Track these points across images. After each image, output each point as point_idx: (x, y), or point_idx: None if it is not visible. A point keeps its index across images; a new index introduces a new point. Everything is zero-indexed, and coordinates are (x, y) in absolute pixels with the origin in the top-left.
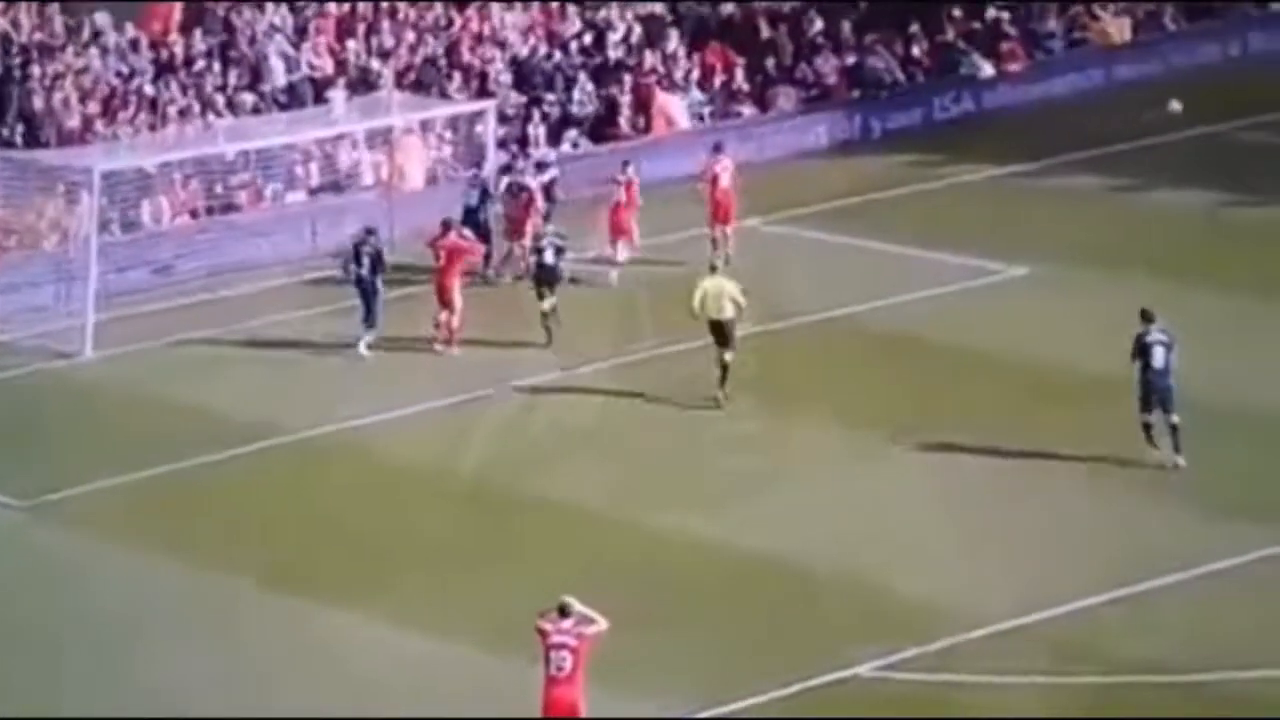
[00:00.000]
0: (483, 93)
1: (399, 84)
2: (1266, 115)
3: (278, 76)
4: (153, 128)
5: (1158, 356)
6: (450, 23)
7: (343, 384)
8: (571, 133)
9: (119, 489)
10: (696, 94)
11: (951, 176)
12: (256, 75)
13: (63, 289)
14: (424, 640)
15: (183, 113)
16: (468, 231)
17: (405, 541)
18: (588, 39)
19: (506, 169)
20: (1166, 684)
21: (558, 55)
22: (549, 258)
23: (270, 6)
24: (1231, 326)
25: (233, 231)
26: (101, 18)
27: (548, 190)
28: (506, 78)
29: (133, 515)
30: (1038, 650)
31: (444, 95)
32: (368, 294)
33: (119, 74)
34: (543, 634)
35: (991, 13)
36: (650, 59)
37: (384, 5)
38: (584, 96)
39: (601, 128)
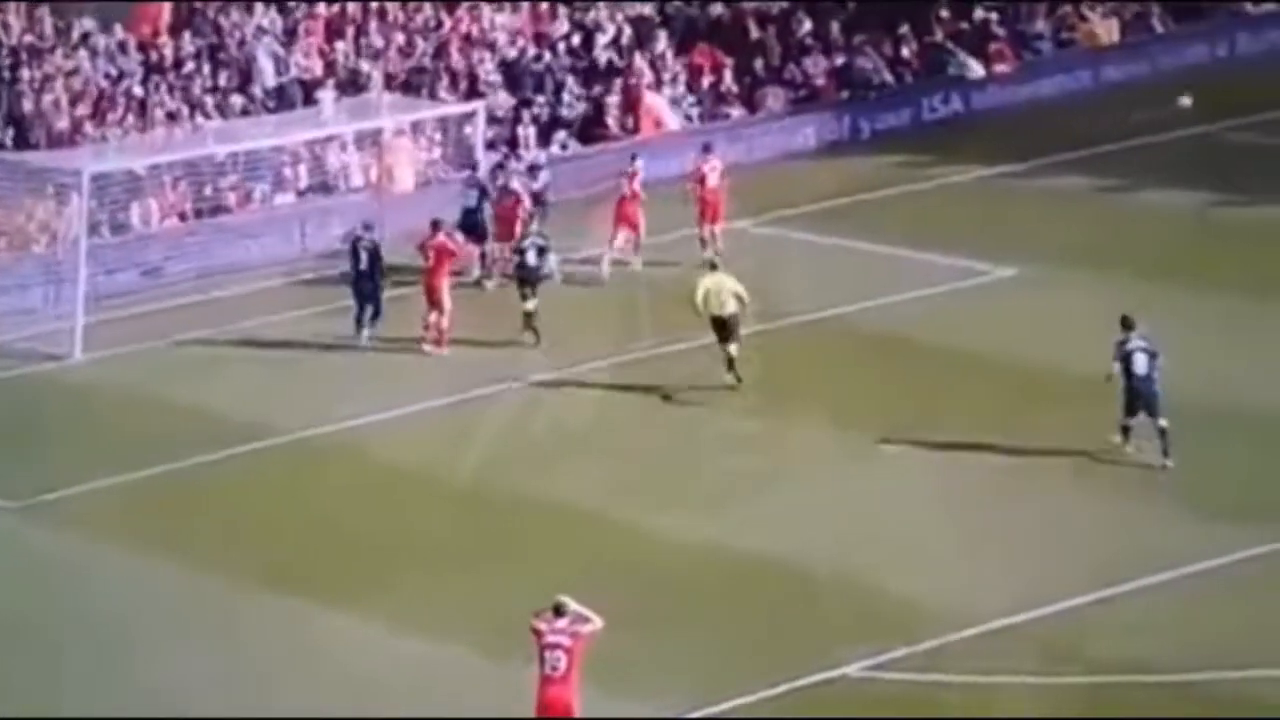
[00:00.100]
0: (472, 94)
1: (388, 86)
2: (1254, 116)
3: (267, 78)
4: (142, 130)
5: (1140, 364)
6: (440, 24)
7: (336, 384)
8: (560, 134)
9: (112, 490)
10: (682, 90)
11: (940, 177)
12: (246, 77)
13: (52, 291)
14: (420, 640)
15: (172, 115)
16: (458, 234)
17: (402, 541)
18: (576, 40)
19: (499, 168)
20: (1155, 684)
21: (547, 57)
22: (531, 258)
23: (259, 8)
24: (1220, 327)
25: (222, 233)
26: (88, 21)
27: (540, 195)
28: (496, 79)
29: (126, 516)
30: (1026, 650)
31: (433, 97)
32: (364, 291)
33: (108, 76)
34: (537, 634)
35: (980, 14)
36: (639, 60)
37: (373, 6)
38: (572, 98)
39: (590, 129)
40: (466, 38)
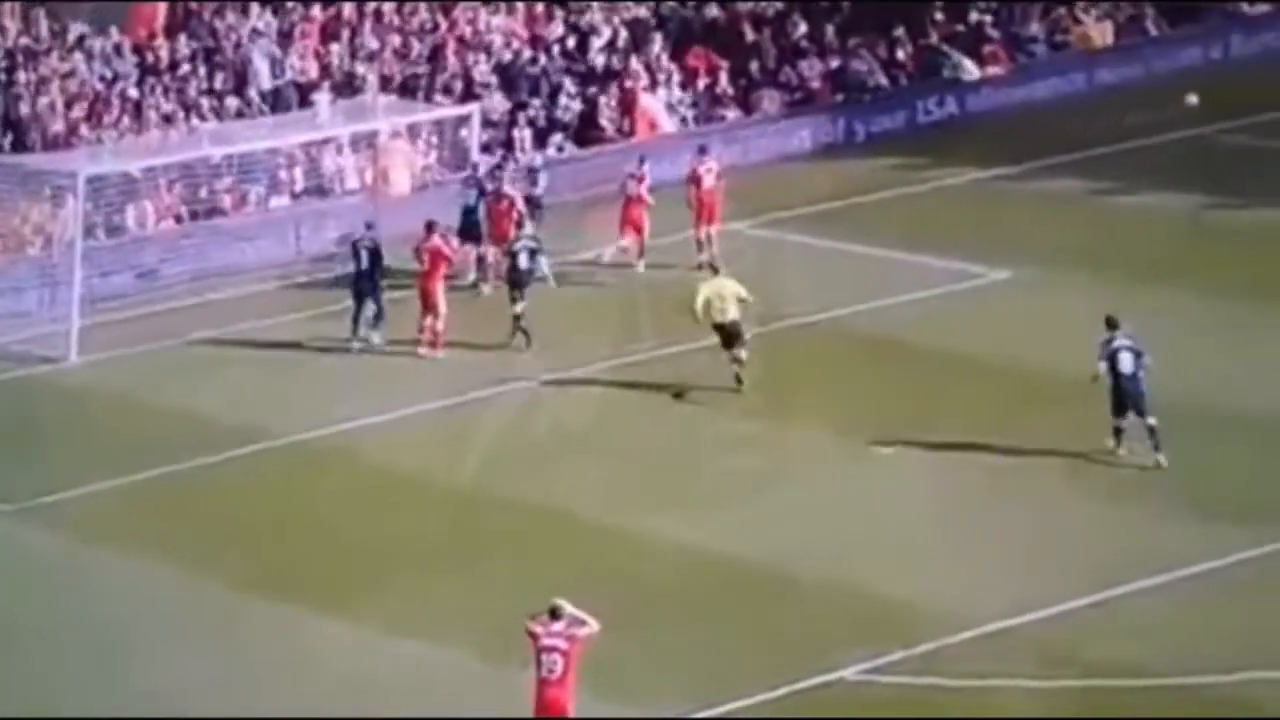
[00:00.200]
0: (468, 97)
1: (384, 88)
2: (1248, 118)
3: (262, 81)
4: (137, 132)
5: (1125, 362)
6: (435, 26)
7: (332, 387)
8: (556, 137)
9: (108, 493)
10: (677, 93)
11: (935, 180)
12: (241, 79)
13: (47, 294)
14: (417, 643)
15: (167, 118)
16: (454, 238)
17: (398, 544)
18: (572, 43)
19: (497, 169)
20: (1150, 687)
21: (542, 59)
22: (523, 261)
23: (255, 10)
24: (1214, 329)
25: (217, 236)
26: (79, 26)
27: (538, 199)
28: (492, 81)
29: (122, 519)
30: (1023, 653)
31: (429, 100)
32: (363, 291)
33: (103, 78)
34: (533, 636)
35: (974, 16)
36: (634, 62)
37: (368, 9)
38: (568, 101)
39: (585, 131)
40: (461, 40)
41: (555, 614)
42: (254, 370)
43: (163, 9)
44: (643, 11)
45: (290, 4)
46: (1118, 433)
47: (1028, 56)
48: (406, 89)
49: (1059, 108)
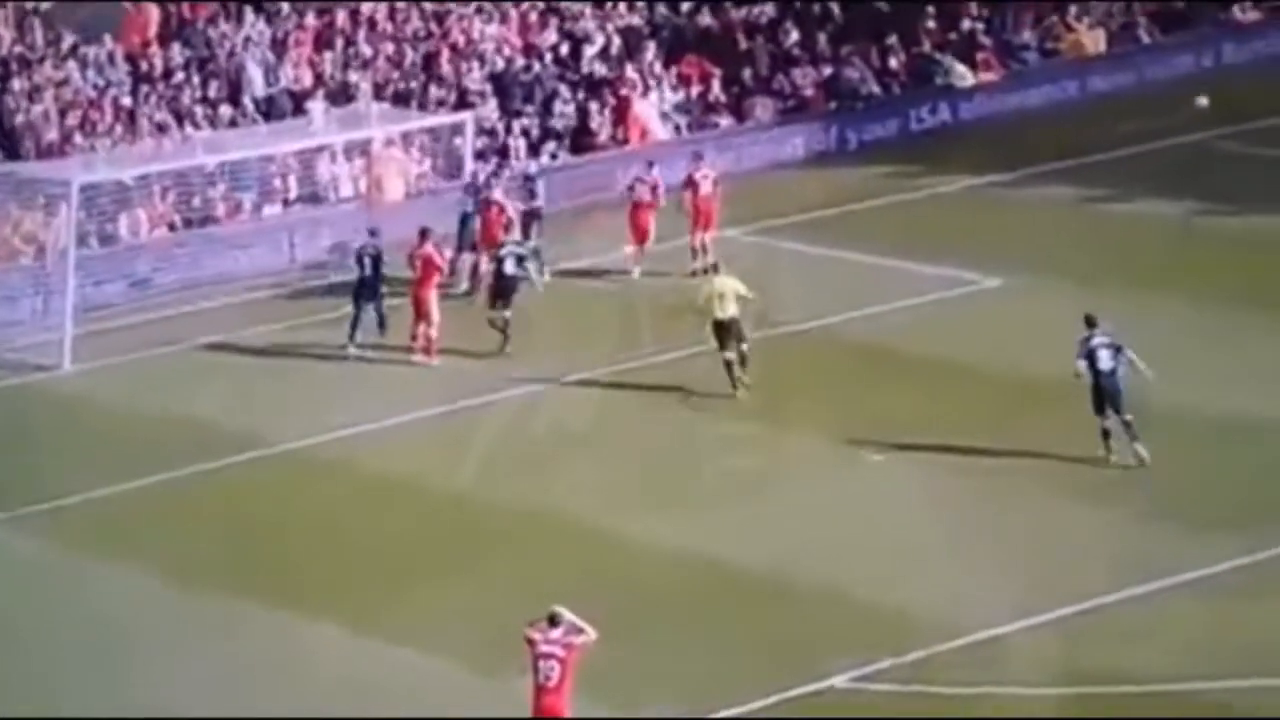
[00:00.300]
0: (462, 105)
1: (378, 96)
2: (1240, 125)
3: (256, 89)
4: (131, 141)
5: (1104, 359)
6: (429, 34)
7: (326, 395)
8: (550, 145)
9: (102, 501)
10: (669, 95)
11: (928, 187)
12: (235, 88)
13: (40, 302)
14: (414, 650)
15: (160, 126)
16: (448, 249)
17: (394, 551)
18: (565, 50)
19: (493, 177)
20: (1141, 694)
21: (536, 67)
22: (509, 267)
23: (248, 19)
24: (1206, 335)
25: (210, 244)
26: (70, 34)
27: (537, 211)
28: (486, 89)
29: (117, 527)
30: (1013, 661)
31: (423, 108)
32: (364, 297)
33: (96, 87)
34: (531, 643)
35: (966, 24)
36: (628, 70)
37: (362, 17)
38: (563, 108)
39: (579, 139)
40: (455, 48)
41: (554, 621)
42: (248, 378)
43: (156, 18)
44: (636, 19)
45: (284, 11)
46: (1105, 435)
47: (1020, 64)
48: (400, 97)
49: (1051, 115)
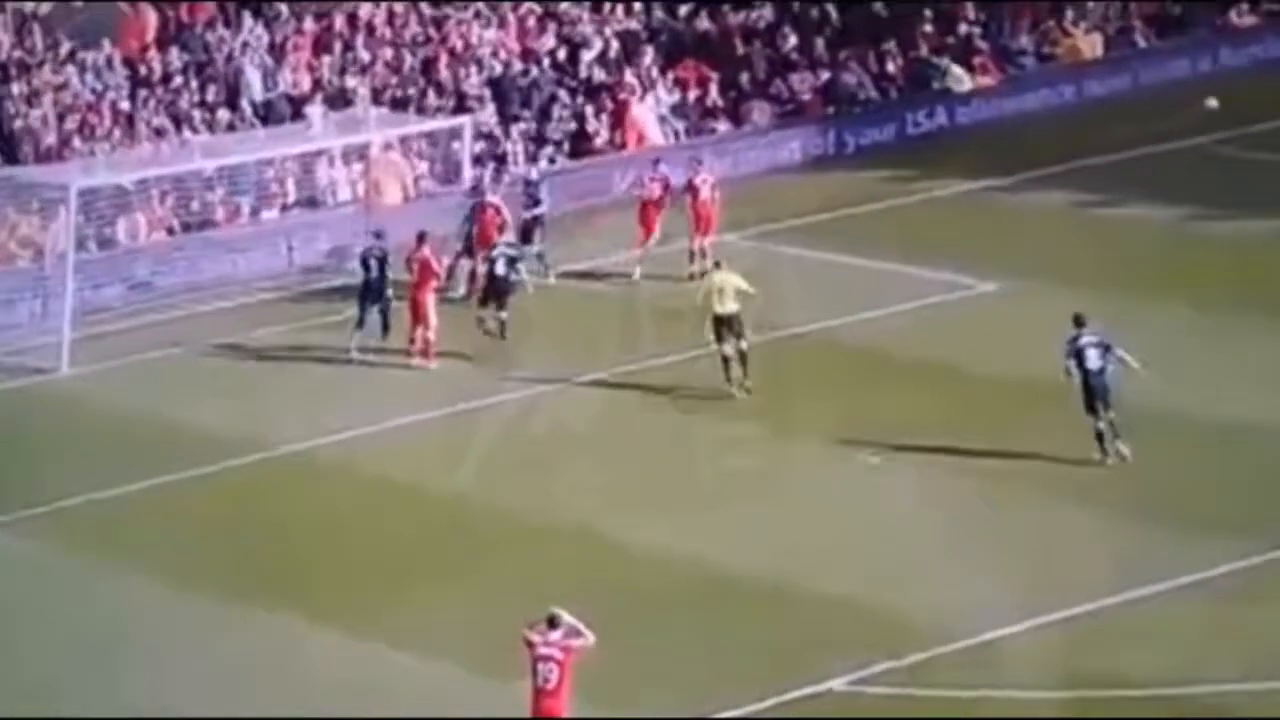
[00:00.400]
0: (460, 109)
1: (376, 100)
2: (1236, 130)
3: (255, 93)
4: (129, 145)
5: (1091, 358)
6: (427, 39)
7: (324, 398)
8: (548, 149)
9: (100, 504)
10: (664, 97)
11: (924, 191)
12: (233, 92)
13: (38, 306)
14: (412, 652)
15: (159, 130)
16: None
17: (393, 554)
18: (563, 55)
19: (494, 182)
20: (1137, 698)
21: (534, 72)
22: (500, 268)
23: (246, 24)
24: (1203, 339)
25: (209, 248)
26: (68, 39)
27: (540, 219)
28: (485, 94)
29: (115, 531)
30: (1011, 664)
31: (421, 112)
32: (368, 299)
33: (94, 91)
34: (530, 645)
35: (963, 29)
36: (627, 74)
37: (360, 22)
38: (561, 113)
39: (577, 143)
40: (453, 53)
41: (553, 623)
42: (247, 381)
43: (154, 22)
44: (634, 23)
45: (282, 15)
46: (1099, 437)
47: (1017, 68)
48: (398, 102)
49: (1048, 119)
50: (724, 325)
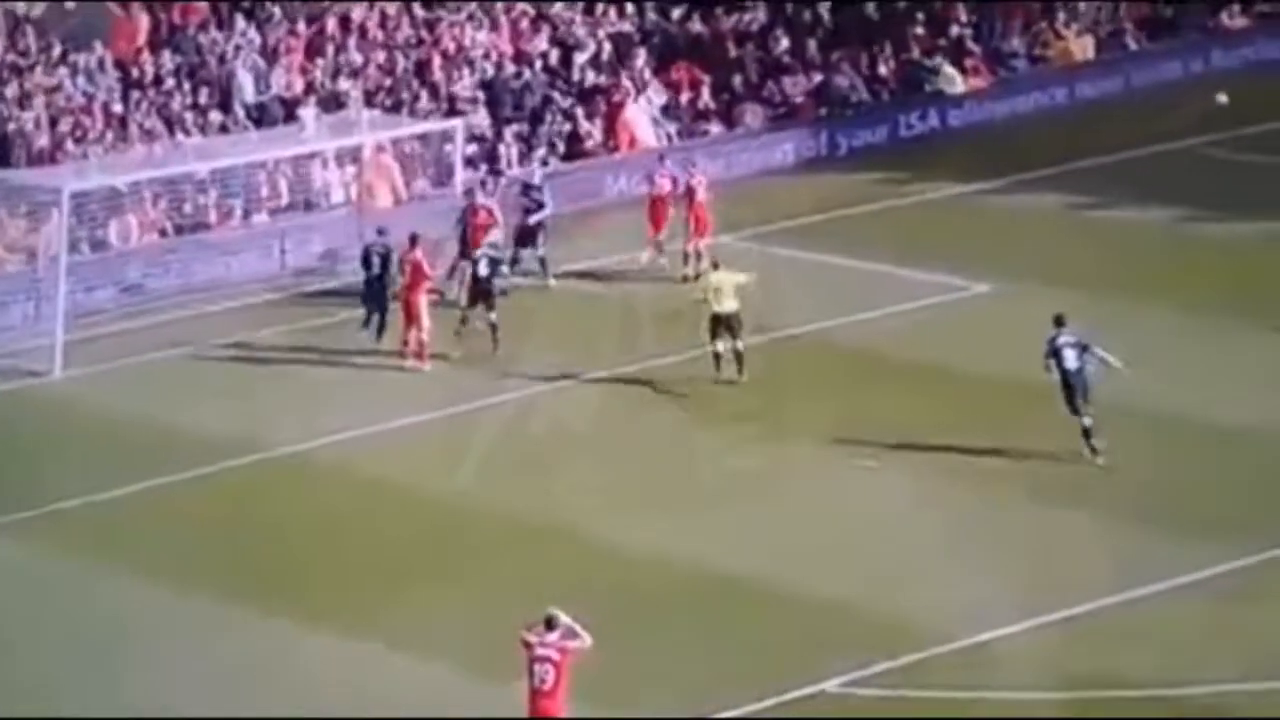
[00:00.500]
0: (453, 112)
1: (369, 103)
2: (1228, 132)
3: (247, 95)
4: (121, 148)
5: (1069, 358)
6: (420, 41)
7: (318, 400)
8: (541, 151)
9: (94, 507)
10: (656, 99)
11: (917, 194)
12: (226, 95)
13: (31, 308)
14: (409, 654)
15: (151, 133)
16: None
17: (389, 556)
18: (555, 58)
19: (482, 184)
20: (1136, 698)
21: (527, 74)
22: (483, 269)
23: (239, 26)
24: (1195, 341)
25: (202, 250)
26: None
27: (540, 223)
28: (478, 96)
29: (109, 533)
30: (1006, 665)
31: (413, 114)
32: (372, 296)
33: (86, 94)
34: (527, 646)
35: (955, 31)
36: (620, 76)
37: (353, 24)
38: (555, 115)
39: (570, 145)
40: (445, 55)
41: (550, 624)
42: (241, 383)
43: (146, 24)
44: (627, 26)
45: (275, 17)
46: (1087, 434)
47: (1009, 71)
48: (391, 105)
49: (1040, 121)
50: (721, 324)
